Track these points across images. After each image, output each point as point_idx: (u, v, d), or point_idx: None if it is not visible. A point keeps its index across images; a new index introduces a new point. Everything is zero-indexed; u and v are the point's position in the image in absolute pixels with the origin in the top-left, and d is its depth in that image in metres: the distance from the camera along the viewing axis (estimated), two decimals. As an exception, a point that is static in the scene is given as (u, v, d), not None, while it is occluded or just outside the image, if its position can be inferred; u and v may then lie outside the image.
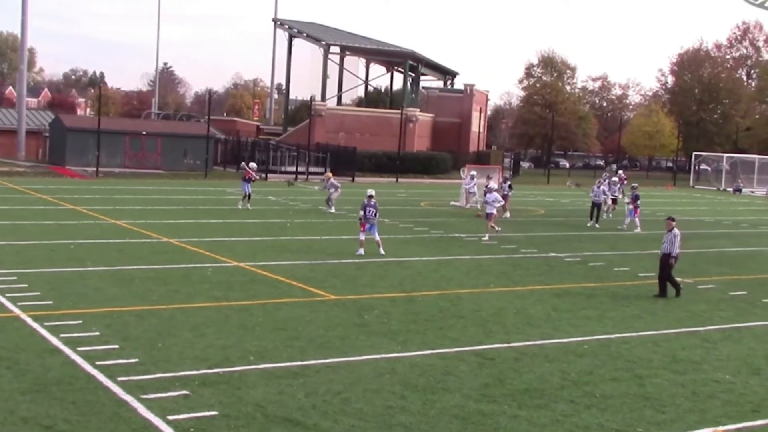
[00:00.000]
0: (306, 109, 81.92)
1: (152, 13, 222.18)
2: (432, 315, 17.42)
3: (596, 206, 36.85)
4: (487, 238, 29.99)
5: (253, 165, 39.25)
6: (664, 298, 20.42)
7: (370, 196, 25.24)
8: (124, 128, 63.87)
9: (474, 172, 42.87)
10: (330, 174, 39.91)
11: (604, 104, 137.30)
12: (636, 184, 39.41)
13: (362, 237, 25.11)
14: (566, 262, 26.12)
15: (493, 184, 32.49)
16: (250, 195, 36.96)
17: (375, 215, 25.12)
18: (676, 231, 20.68)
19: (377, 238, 25.03)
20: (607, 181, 41.83)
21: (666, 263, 20.58)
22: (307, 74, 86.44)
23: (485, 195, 32.12)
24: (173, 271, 21.25)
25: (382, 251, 24.79)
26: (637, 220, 35.87)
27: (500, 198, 32.21)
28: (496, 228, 30.95)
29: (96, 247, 24.49)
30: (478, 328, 16.47)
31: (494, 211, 31.04)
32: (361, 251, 24.75)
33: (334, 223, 33.35)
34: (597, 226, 36.14)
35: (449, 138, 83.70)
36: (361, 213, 25.13)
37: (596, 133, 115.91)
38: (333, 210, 36.60)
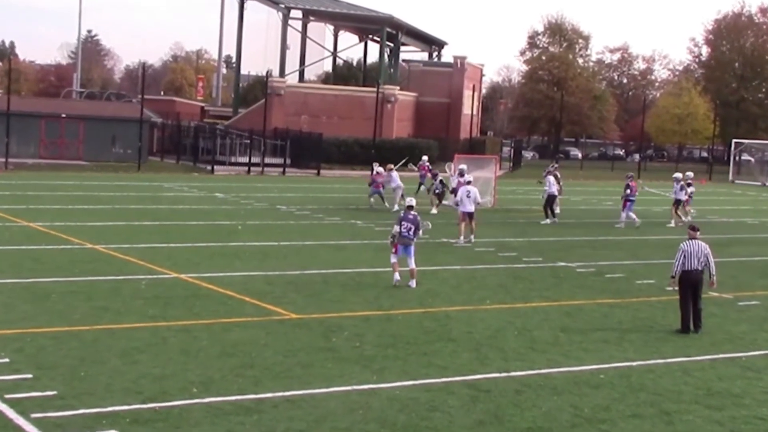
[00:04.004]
0: (261, 86, 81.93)
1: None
2: (415, 338, 17.46)
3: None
4: (473, 239, 31.11)
5: (380, 169, 41.35)
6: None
7: (410, 207, 23.57)
8: (40, 110, 63.53)
9: (464, 166, 42.33)
10: (392, 165, 41.85)
11: (625, 81, 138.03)
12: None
13: (393, 259, 23.05)
14: (578, 273, 26.25)
15: (468, 177, 33.26)
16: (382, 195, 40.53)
17: (414, 233, 23.11)
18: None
19: (412, 265, 22.94)
20: (547, 173, 43.38)
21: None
22: (263, 44, 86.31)
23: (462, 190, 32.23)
24: (99, 284, 21.18)
25: (413, 284, 22.89)
26: (632, 214, 38.27)
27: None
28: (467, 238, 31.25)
29: (5, 255, 24.39)
30: (471, 353, 16.52)
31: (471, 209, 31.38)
32: (397, 276, 22.94)
33: (296, 226, 33.36)
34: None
35: (435, 122, 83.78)
36: (397, 229, 23.02)
37: (615, 116, 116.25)
38: (397, 206, 38.16)
